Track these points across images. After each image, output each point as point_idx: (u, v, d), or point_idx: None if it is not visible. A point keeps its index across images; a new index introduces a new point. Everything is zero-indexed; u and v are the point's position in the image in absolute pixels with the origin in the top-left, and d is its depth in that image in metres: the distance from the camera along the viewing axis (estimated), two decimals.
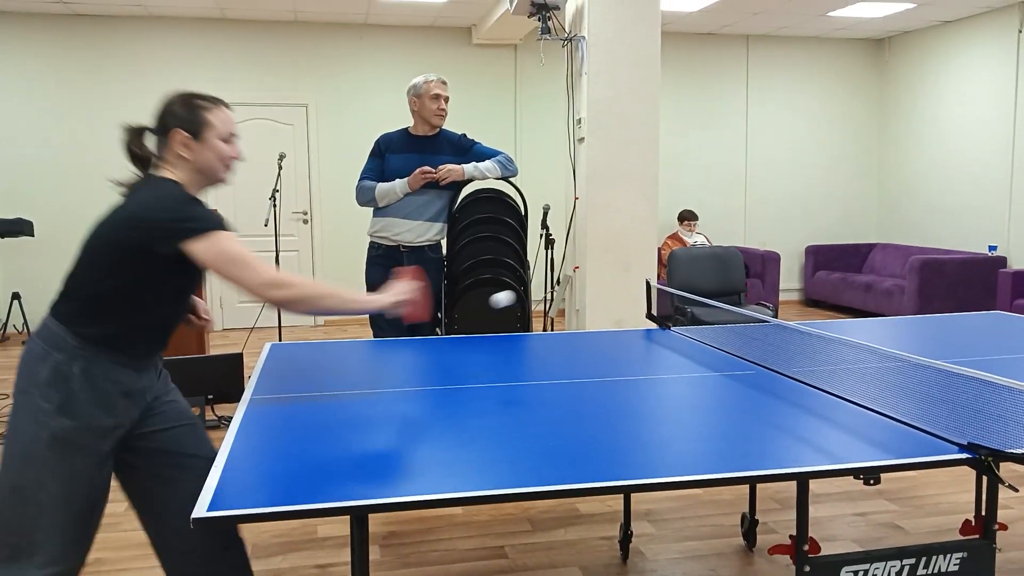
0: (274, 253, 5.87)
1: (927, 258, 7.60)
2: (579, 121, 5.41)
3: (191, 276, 2.08)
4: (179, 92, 2.13)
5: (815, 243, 9.65)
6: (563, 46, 5.53)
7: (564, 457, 1.74)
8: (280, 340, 4.29)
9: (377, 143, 4.15)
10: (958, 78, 8.49)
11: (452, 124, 4.45)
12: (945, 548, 1.86)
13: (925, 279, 7.57)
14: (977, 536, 1.92)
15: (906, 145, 9.27)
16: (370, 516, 2.58)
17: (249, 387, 2.42)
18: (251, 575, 2.23)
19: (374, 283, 4.12)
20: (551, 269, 5.39)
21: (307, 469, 1.68)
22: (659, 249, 8.24)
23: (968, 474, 3.93)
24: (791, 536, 1.85)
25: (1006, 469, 3.85)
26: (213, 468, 1.69)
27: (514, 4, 5.32)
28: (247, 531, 3.34)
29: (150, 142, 2.11)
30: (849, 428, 1.93)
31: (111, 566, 3.08)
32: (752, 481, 1.63)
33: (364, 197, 4.11)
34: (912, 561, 1.84)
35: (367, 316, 4.20)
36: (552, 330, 5.55)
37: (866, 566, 1.83)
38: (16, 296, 7.72)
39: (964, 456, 1.71)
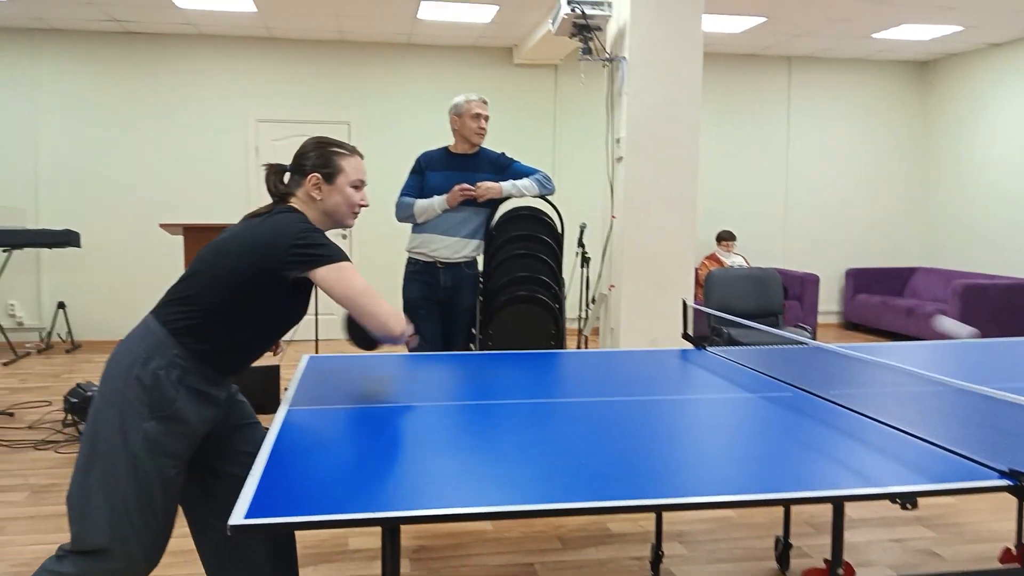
0: None
1: (970, 283, 7.47)
2: (618, 141, 5.42)
3: (302, 305, 2.21)
4: (318, 138, 2.31)
5: (856, 265, 9.53)
6: (603, 66, 5.55)
7: (596, 474, 1.75)
8: (317, 353, 4.34)
9: (418, 160, 4.20)
10: (1004, 102, 8.36)
11: (492, 143, 4.49)
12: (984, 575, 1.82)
13: (968, 304, 7.43)
14: (1017, 565, 1.88)
15: (949, 168, 9.14)
16: (401, 530, 2.59)
17: (287, 397, 2.45)
18: None
19: (411, 298, 4.15)
20: (587, 287, 5.39)
21: (342, 480, 1.70)
22: (696, 269, 8.20)
23: (1009, 502, 3.84)
24: (826, 560, 1.83)
25: None
26: (250, 477, 1.72)
27: (556, 25, 5.36)
28: None
29: (286, 179, 2.30)
30: (887, 451, 1.91)
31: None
32: (787, 503, 1.62)
33: (403, 213, 4.16)
34: None
35: None
36: (586, 348, 5.54)
37: None
38: (61, 305, 7.90)
39: (1004, 483, 1.68)
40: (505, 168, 4.20)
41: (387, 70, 8.57)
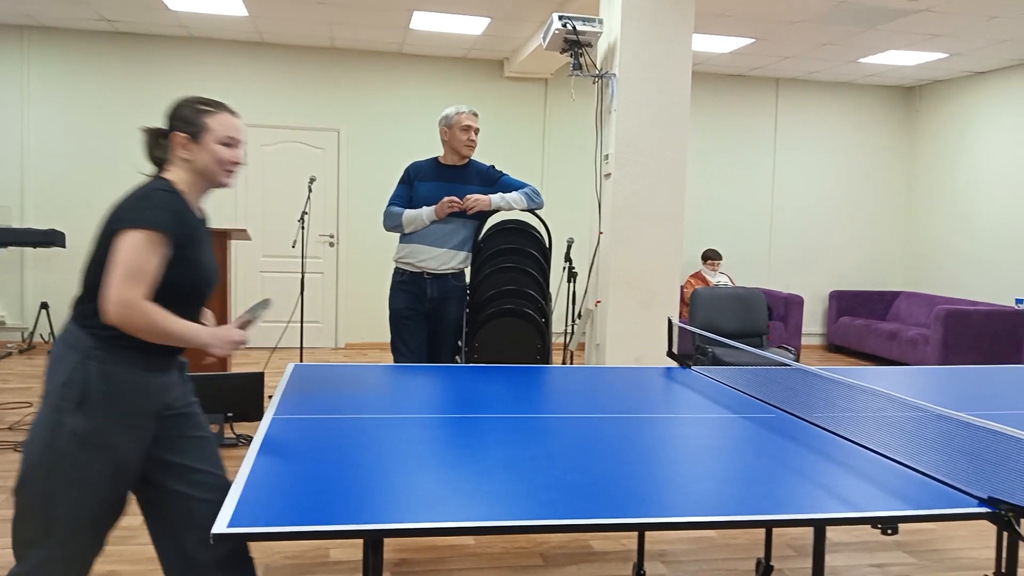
0: (300, 274, 5.93)
1: (953, 308, 7.53)
2: (606, 157, 5.45)
3: (186, 274, 2.08)
4: (185, 96, 2.22)
5: (839, 288, 9.60)
6: (594, 82, 5.58)
7: (579, 492, 1.75)
8: (301, 361, 4.32)
9: (407, 170, 4.20)
10: (988, 130, 8.46)
11: (481, 155, 4.50)
12: None
13: (950, 329, 7.49)
14: None
15: (934, 194, 9.23)
16: (383, 543, 2.58)
17: (272, 405, 2.44)
18: None
19: (398, 308, 4.15)
20: (573, 302, 5.40)
21: (325, 491, 1.69)
22: (682, 287, 8.23)
23: (989, 530, 3.86)
24: None
25: None
26: (234, 485, 1.71)
27: (547, 39, 5.39)
28: (260, 551, 3.35)
29: (164, 144, 2.20)
30: (868, 476, 1.92)
31: None
32: (768, 525, 1.63)
33: (391, 222, 4.16)
34: None
35: (389, 341, 4.22)
36: (572, 363, 5.55)
37: None
38: (44, 306, 7.83)
39: (984, 510, 1.70)
40: (494, 181, 4.21)
41: (378, 79, 8.58)
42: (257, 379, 4.83)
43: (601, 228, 5.55)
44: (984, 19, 6.58)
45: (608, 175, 5.44)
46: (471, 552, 3.43)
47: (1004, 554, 2.47)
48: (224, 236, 5.63)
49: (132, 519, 3.57)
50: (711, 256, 8.51)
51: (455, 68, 8.71)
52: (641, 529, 1.62)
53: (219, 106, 2.22)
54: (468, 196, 4.06)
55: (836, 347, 9.35)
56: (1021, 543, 1.76)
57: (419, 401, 2.58)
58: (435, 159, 4.23)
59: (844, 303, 9.22)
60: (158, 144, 2.20)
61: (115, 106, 8.13)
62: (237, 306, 8.33)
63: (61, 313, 8.07)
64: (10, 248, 7.95)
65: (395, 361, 4.20)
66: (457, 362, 4.25)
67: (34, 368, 6.92)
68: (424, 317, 4.17)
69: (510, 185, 4.21)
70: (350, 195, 8.57)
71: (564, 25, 5.17)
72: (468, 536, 3.62)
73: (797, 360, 5.81)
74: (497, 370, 3.19)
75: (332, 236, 8.58)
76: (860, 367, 3.52)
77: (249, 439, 4.90)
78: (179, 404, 2.16)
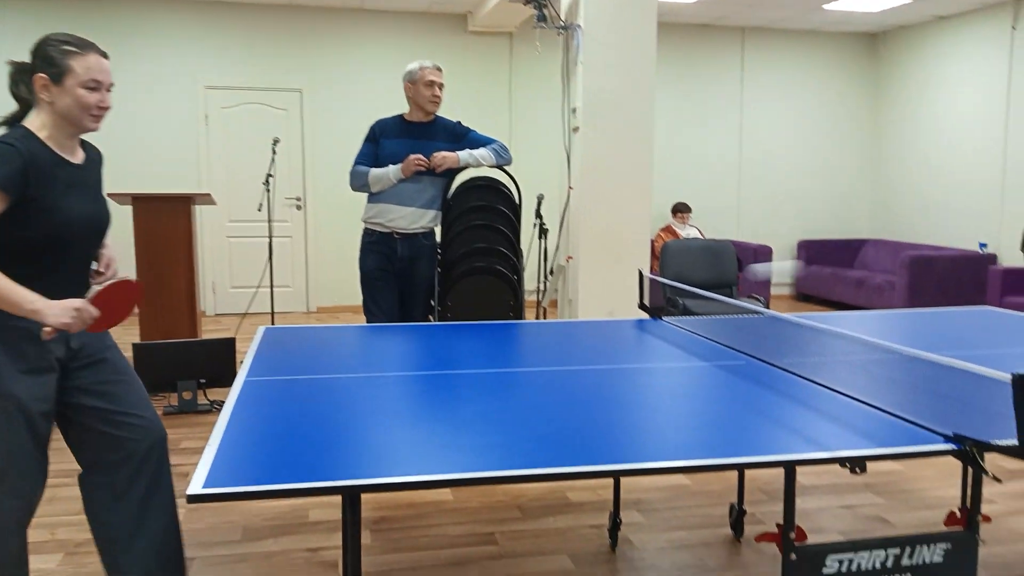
0: (268, 238, 5.86)
1: (918, 254, 7.64)
2: (574, 110, 5.42)
3: (40, 225, 2.02)
4: (50, 34, 2.10)
5: (807, 237, 9.69)
6: (559, 35, 5.53)
7: (555, 442, 1.76)
8: (273, 324, 4.30)
9: (372, 128, 4.15)
10: (952, 74, 8.52)
11: (446, 111, 4.45)
12: (929, 539, 1.88)
13: (916, 275, 7.61)
14: (961, 527, 1.95)
15: (899, 141, 9.30)
16: (362, 500, 2.60)
17: (243, 368, 2.43)
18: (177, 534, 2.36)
19: (369, 269, 4.12)
20: (545, 259, 5.40)
21: (301, 450, 1.69)
22: (652, 241, 8.26)
23: (954, 469, 3.97)
24: (778, 524, 1.87)
25: (991, 463, 3.90)
26: (208, 446, 1.70)
27: None
28: (239, 513, 3.36)
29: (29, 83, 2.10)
30: (837, 418, 1.95)
31: None
32: (740, 468, 1.65)
33: (357, 182, 4.11)
34: (897, 551, 1.87)
35: (361, 303, 4.21)
36: (545, 319, 5.56)
37: (851, 555, 1.85)
38: None
39: (950, 447, 1.74)
40: (461, 137, 4.17)
41: (340, 36, 8.43)
42: (228, 344, 4.80)
43: (571, 183, 5.54)
44: None
45: (576, 129, 5.41)
46: (449, 507, 3.46)
47: (969, 490, 2.54)
48: (188, 201, 5.54)
49: None
50: (681, 209, 8.53)
51: (418, 23, 8.57)
52: (616, 476, 1.64)
53: (86, 46, 2.10)
54: (435, 153, 4.02)
55: (805, 296, 9.46)
56: (984, 478, 1.81)
57: (393, 360, 2.57)
58: (401, 116, 4.18)
59: (812, 252, 9.31)
60: (21, 82, 2.10)
61: None
62: (206, 273, 8.24)
63: None
64: None
65: (368, 322, 4.19)
66: (430, 321, 4.25)
67: None
68: (395, 277, 4.15)
69: (477, 141, 4.17)
70: (315, 156, 8.47)
71: None
72: (446, 490, 3.65)
73: (767, 308, 5.86)
74: (471, 327, 3.19)
75: (299, 199, 8.48)
76: (827, 312, 3.57)
77: (222, 404, 4.89)
78: (88, 353, 2.20)
